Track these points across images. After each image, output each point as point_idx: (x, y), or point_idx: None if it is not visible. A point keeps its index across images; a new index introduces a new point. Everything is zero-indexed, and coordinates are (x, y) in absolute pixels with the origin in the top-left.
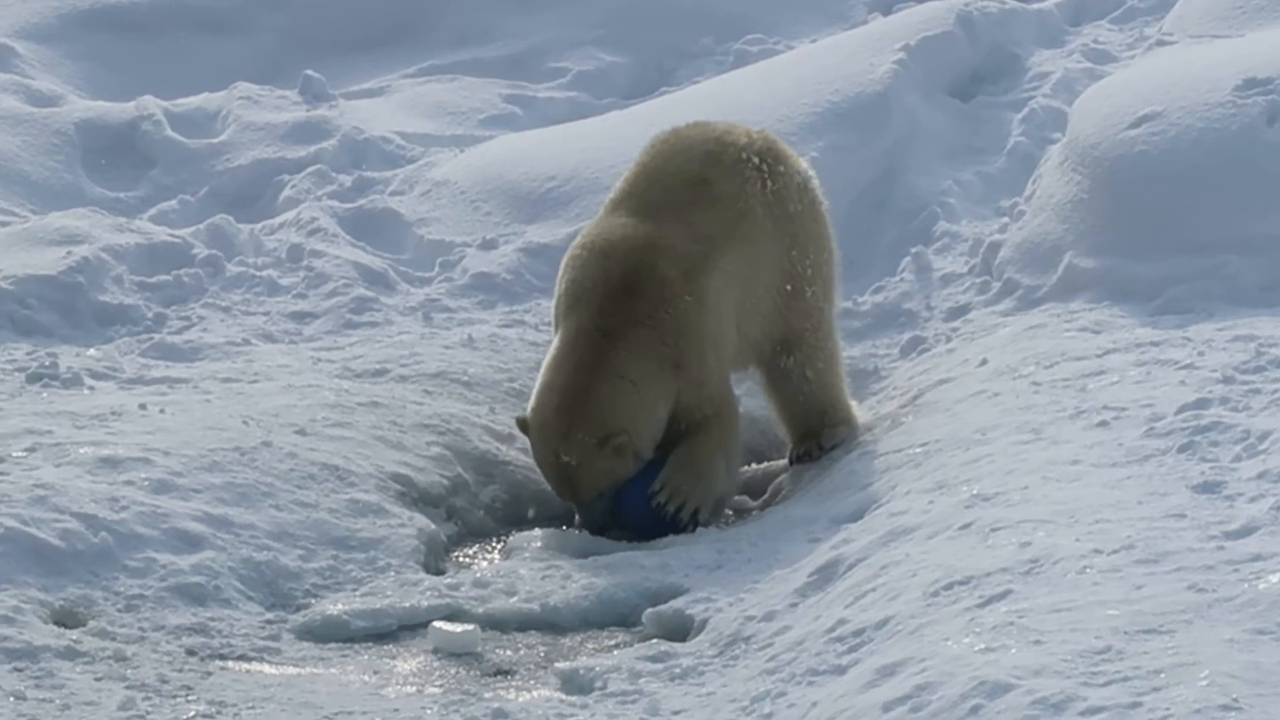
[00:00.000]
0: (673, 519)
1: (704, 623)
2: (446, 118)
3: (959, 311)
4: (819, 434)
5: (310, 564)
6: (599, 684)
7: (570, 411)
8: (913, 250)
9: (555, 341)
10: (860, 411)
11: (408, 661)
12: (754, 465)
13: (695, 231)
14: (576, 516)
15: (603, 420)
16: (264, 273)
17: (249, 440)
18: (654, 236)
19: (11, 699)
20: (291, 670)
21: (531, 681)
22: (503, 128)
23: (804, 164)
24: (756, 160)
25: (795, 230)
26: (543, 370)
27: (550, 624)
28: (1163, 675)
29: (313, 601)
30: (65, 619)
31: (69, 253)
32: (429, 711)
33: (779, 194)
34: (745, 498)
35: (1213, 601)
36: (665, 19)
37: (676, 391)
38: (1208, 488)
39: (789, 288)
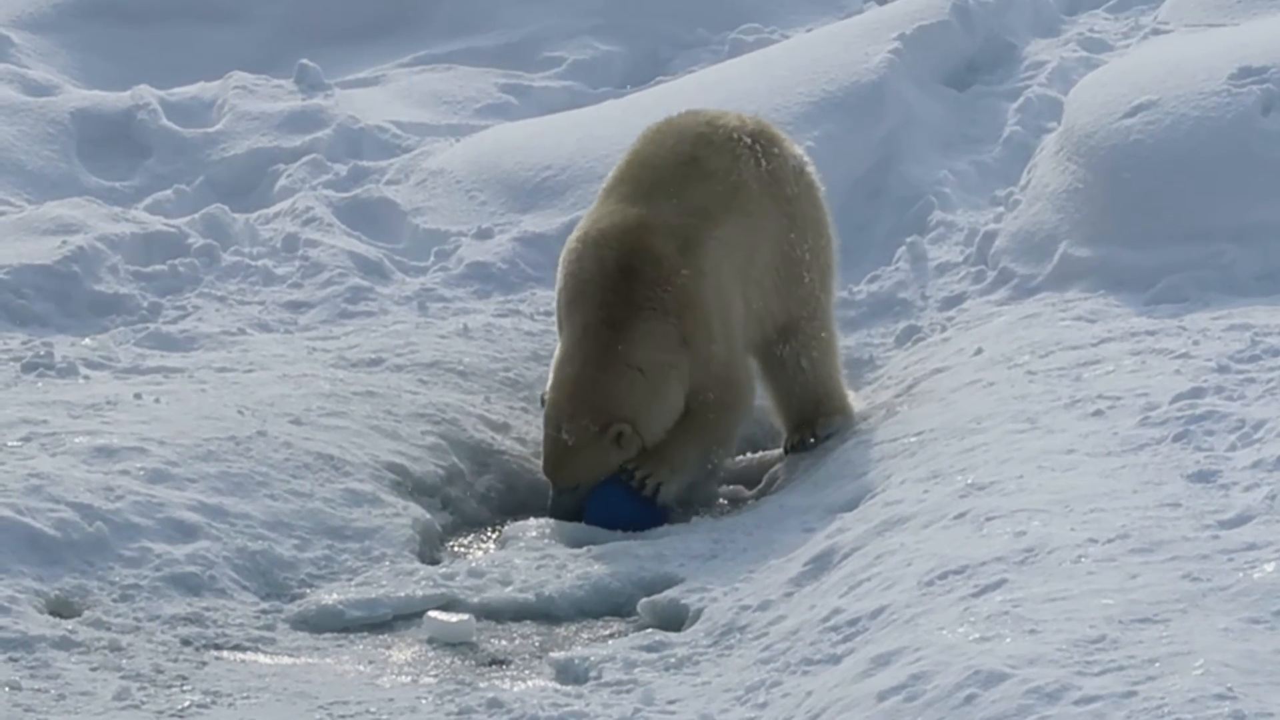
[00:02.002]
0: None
1: (699, 612)
2: (442, 107)
3: (954, 301)
4: (814, 423)
5: (305, 554)
6: (594, 674)
7: (579, 399)
8: (908, 239)
9: (564, 338)
10: (856, 400)
11: (403, 651)
12: (749, 455)
13: (687, 205)
14: (549, 502)
15: (609, 410)
16: (259, 262)
17: (244, 430)
18: (644, 217)
19: (7, 689)
20: (286, 660)
21: (526, 671)
22: (498, 117)
23: (799, 149)
24: (749, 140)
25: (793, 212)
26: (555, 365)
27: (545, 614)
28: (1157, 664)
29: (308, 591)
30: (60, 609)
31: (64, 242)
32: (424, 701)
33: (774, 174)
34: (740, 487)
35: (1207, 591)
36: (661, 8)
37: (688, 371)
38: (1202, 477)
39: (787, 270)
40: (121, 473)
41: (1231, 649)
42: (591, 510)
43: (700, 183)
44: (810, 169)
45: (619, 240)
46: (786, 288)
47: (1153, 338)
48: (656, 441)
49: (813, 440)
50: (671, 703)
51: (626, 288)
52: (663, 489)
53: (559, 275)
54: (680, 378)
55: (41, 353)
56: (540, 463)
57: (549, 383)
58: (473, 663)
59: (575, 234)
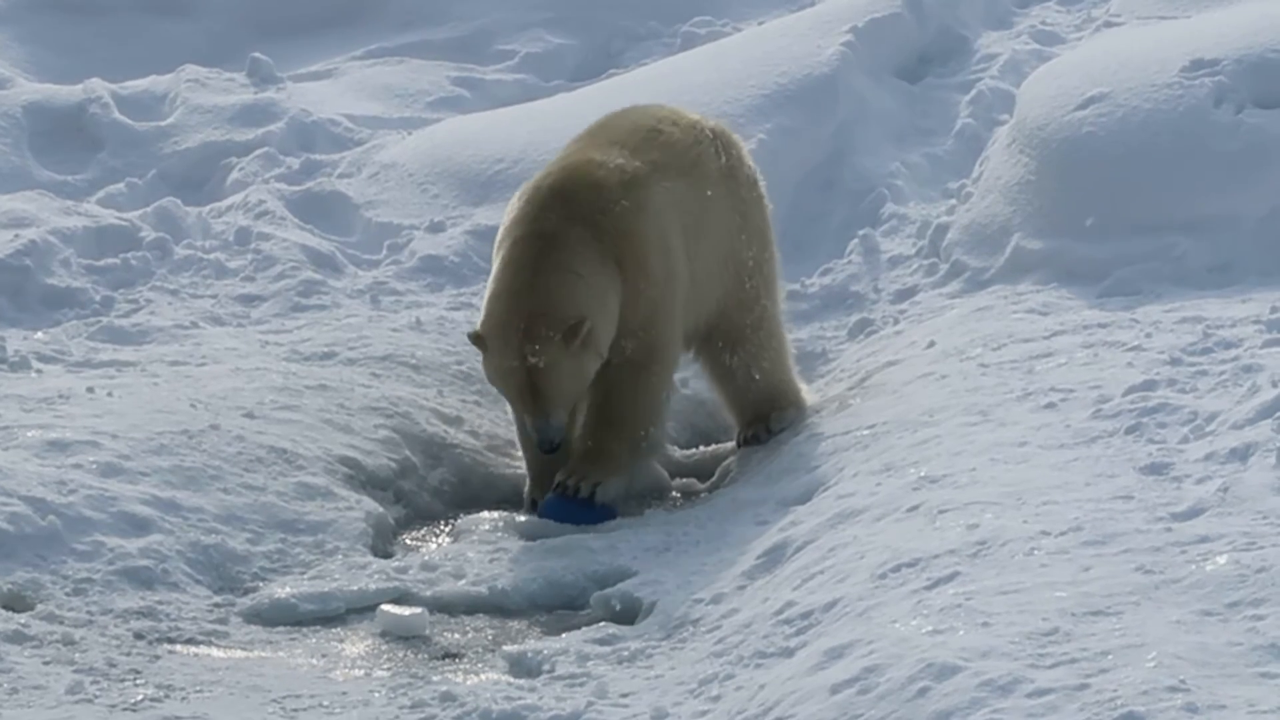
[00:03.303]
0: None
1: (652, 605)
2: (394, 100)
3: (907, 293)
4: (768, 417)
5: (258, 547)
6: (547, 667)
7: (528, 308)
8: (860, 232)
9: (496, 260)
10: (809, 394)
11: (356, 644)
12: (701, 448)
13: (643, 157)
14: (525, 491)
15: (562, 310)
16: (212, 255)
17: (197, 423)
18: (591, 155)
19: None
20: (239, 653)
21: (479, 664)
22: (451, 110)
23: (753, 163)
24: (711, 135)
25: (746, 213)
26: (488, 286)
27: (498, 607)
28: (1110, 656)
29: (260, 585)
30: (13, 603)
31: (16, 235)
32: (377, 694)
33: (732, 171)
34: (693, 480)
35: (1160, 583)
36: (613, 1)
37: (620, 294)
38: (1155, 469)
39: (733, 266)
40: (74, 466)
41: (1184, 641)
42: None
43: (660, 146)
44: (761, 184)
45: (560, 170)
46: (731, 282)
47: (1105, 330)
48: (605, 354)
49: (766, 434)
50: (625, 696)
51: (561, 205)
52: (599, 490)
53: (502, 227)
54: (615, 291)
55: None
56: (493, 454)
57: (482, 312)
58: (426, 656)
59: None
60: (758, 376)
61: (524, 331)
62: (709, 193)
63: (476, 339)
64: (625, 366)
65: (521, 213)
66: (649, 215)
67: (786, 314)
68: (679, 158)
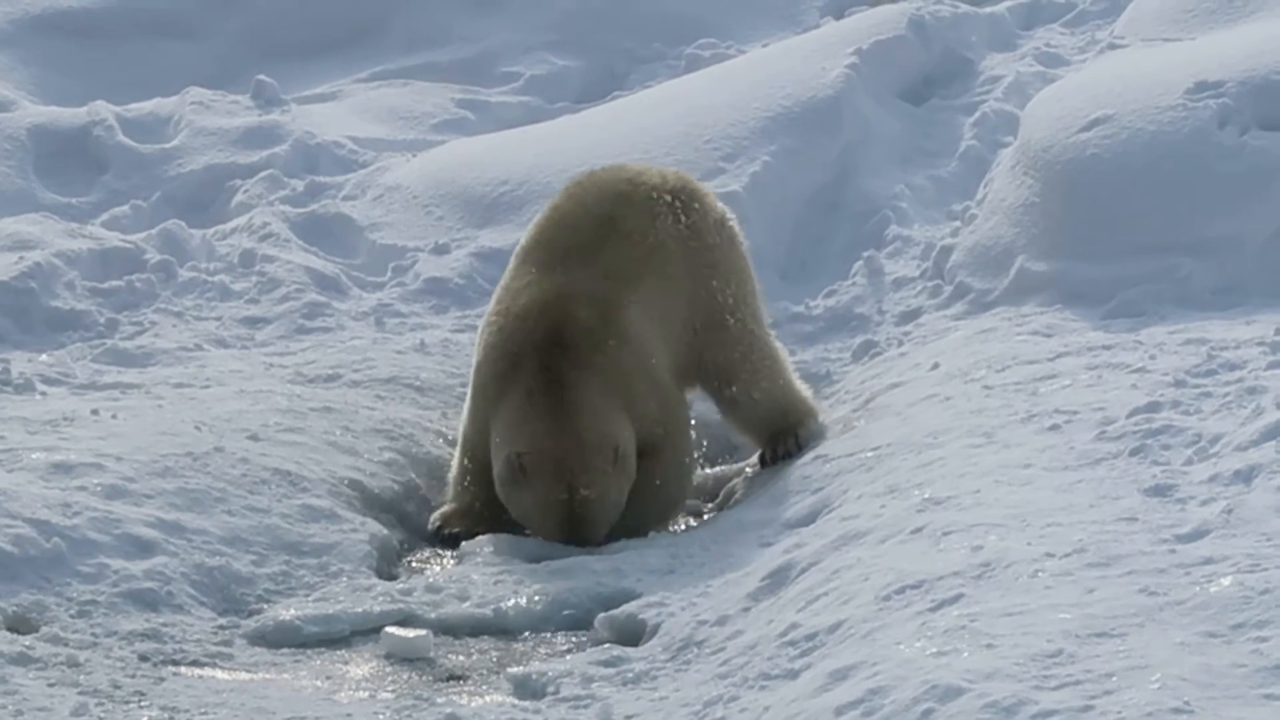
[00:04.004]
0: None
1: (656, 627)
2: (399, 122)
3: (911, 315)
4: (791, 431)
5: (263, 569)
6: (551, 689)
7: (571, 440)
8: (865, 254)
9: (504, 405)
10: (818, 401)
11: (360, 667)
12: (706, 469)
13: (602, 269)
14: (440, 519)
15: (604, 440)
16: (216, 278)
17: (201, 445)
18: (561, 286)
19: None
20: (244, 675)
21: (484, 686)
22: (455, 132)
23: (720, 204)
24: (669, 199)
25: (717, 259)
26: (510, 422)
27: (502, 629)
28: (1114, 678)
29: (265, 607)
30: (18, 625)
31: (21, 258)
32: (381, 716)
33: (695, 228)
34: (697, 501)
35: (1164, 605)
36: (618, 23)
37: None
38: (1159, 491)
39: (709, 318)
40: (79, 489)
41: (1188, 663)
42: None
43: (617, 246)
44: (732, 221)
45: (541, 313)
46: (710, 334)
47: (1109, 352)
48: (634, 475)
49: (797, 448)
50: (630, 717)
51: (562, 355)
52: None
53: (479, 349)
54: (628, 416)
55: None
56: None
57: (510, 449)
58: (430, 678)
59: (494, 307)
60: (757, 396)
61: (577, 464)
62: (670, 275)
63: (517, 468)
64: (652, 453)
65: (520, 360)
66: (632, 345)
67: (791, 336)
68: (639, 251)
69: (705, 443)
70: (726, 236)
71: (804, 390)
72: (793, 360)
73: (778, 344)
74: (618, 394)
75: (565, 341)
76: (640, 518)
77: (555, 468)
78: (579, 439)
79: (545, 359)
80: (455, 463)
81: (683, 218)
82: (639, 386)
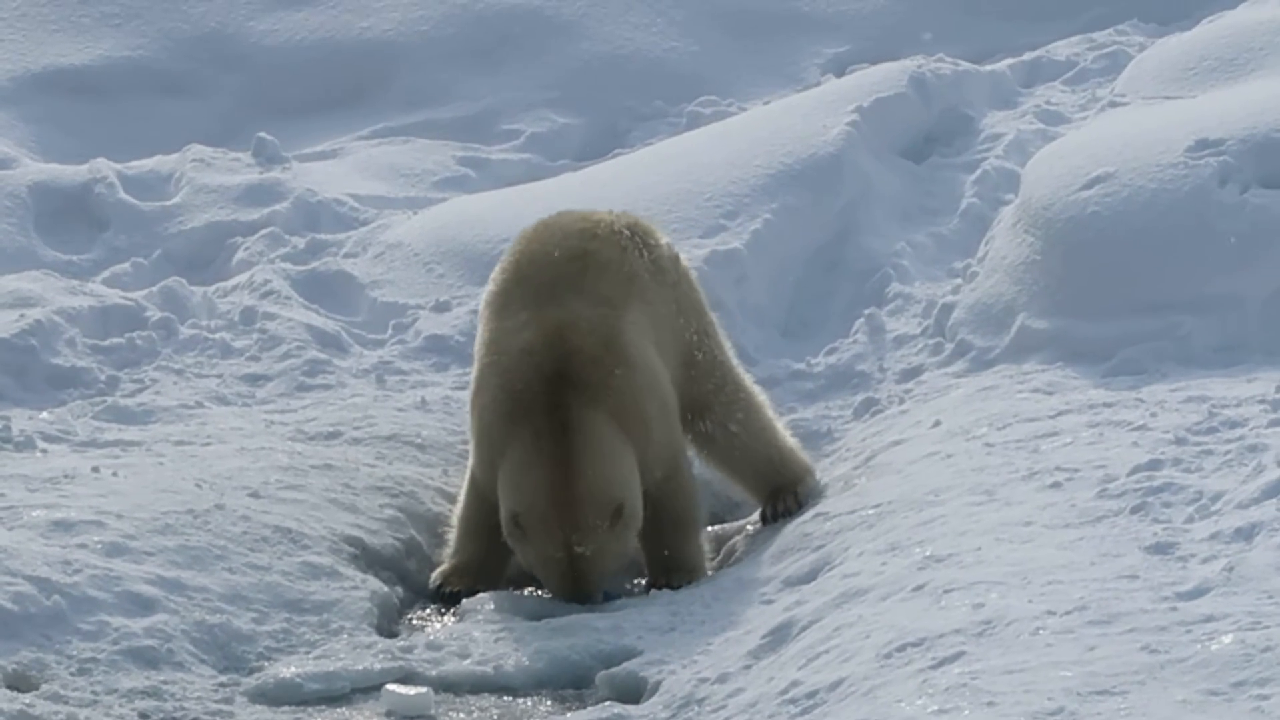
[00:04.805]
0: None
1: (657, 685)
2: (400, 180)
3: (912, 373)
4: (790, 488)
5: (263, 626)
6: None
7: (569, 497)
8: (866, 312)
9: (511, 450)
10: (808, 456)
11: None
12: (709, 528)
13: (592, 297)
14: (442, 577)
15: (604, 495)
16: (217, 335)
17: (202, 503)
18: (561, 320)
19: None
20: None
21: None
22: (456, 189)
23: (666, 239)
24: (628, 233)
25: (678, 296)
26: (511, 474)
27: (504, 686)
28: None
29: (266, 664)
30: (18, 683)
31: (21, 315)
32: None
33: (657, 263)
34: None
35: (1165, 662)
36: (618, 81)
37: (635, 451)
38: (1160, 549)
39: (682, 352)
40: (79, 546)
41: None
42: None
43: (598, 275)
44: (683, 257)
45: (546, 345)
46: (685, 370)
47: (1110, 409)
48: (639, 526)
49: (796, 505)
50: None
51: (570, 391)
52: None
53: (479, 392)
54: (634, 457)
55: None
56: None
57: (514, 500)
58: None
59: (487, 352)
60: (735, 429)
61: (570, 522)
62: (650, 301)
63: (515, 523)
64: (664, 483)
65: (526, 399)
66: (636, 369)
67: (792, 394)
68: (620, 279)
69: (707, 501)
70: (682, 272)
71: (793, 442)
72: (793, 418)
73: (751, 381)
74: (629, 424)
75: (572, 376)
76: (664, 542)
77: (551, 528)
78: (578, 497)
79: (555, 397)
80: (458, 513)
81: (644, 252)
82: (649, 408)
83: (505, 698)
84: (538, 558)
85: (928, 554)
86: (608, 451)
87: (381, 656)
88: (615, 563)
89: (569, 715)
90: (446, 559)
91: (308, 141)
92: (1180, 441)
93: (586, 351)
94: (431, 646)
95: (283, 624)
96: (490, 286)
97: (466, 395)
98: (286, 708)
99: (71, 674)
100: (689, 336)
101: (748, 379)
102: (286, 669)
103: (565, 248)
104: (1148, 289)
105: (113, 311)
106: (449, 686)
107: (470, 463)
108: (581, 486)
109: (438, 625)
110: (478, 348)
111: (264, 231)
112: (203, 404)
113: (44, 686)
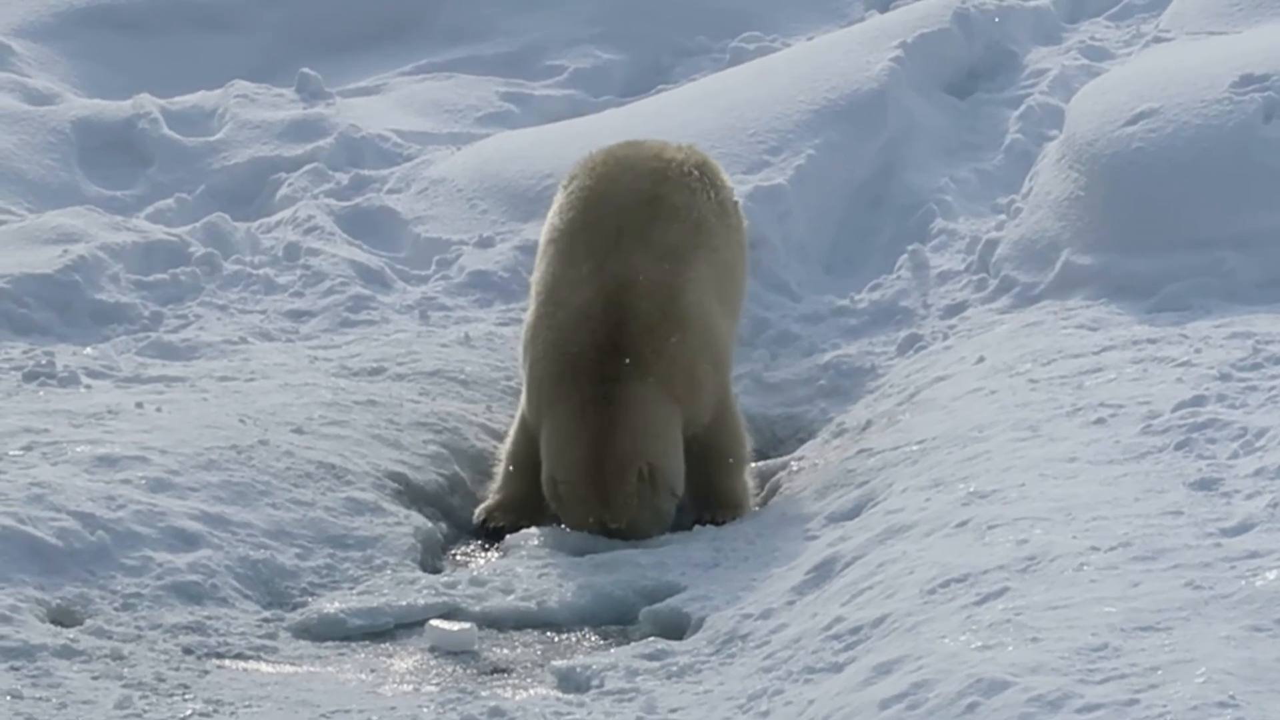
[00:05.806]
0: None
1: (701, 621)
2: (443, 115)
3: (956, 309)
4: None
5: (307, 562)
6: (596, 682)
7: (608, 476)
8: (909, 248)
9: (557, 413)
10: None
11: (404, 660)
12: (753, 464)
13: (657, 251)
14: (485, 512)
15: (637, 468)
16: (260, 271)
17: (246, 439)
18: (622, 280)
19: (8, 697)
20: (288, 669)
21: (528, 680)
22: (499, 125)
23: (729, 181)
24: (697, 174)
25: (741, 241)
26: (553, 439)
27: (547, 622)
28: (1159, 672)
29: (309, 600)
30: (62, 617)
31: (65, 251)
32: (425, 710)
33: (723, 205)
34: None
35: (1209, 598)
36: (662, 16)
37: (683, 415)
38: (1204, 485)
39: (740, 293)
40: (123, 482)
41: (1233, 657)
42: None
43: (666, 222)
44: (740, 205)
45: (604, 310)
46: (734, 320)
47: (1154, 346)
48: (681, 490)
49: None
50: (674, 711)
51: (621, 363)
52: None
53: (533, 341)
54: (678, 425)
55: (43, 362)
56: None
57: (554, 466)
58: (474, 671)
59: (547, 298)
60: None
61: (603, 500)
62: (716, 248)
63: (552, 492)
64: (712, 424)
65: (580, 363)
66: (694, 333)
67: (836, 330)
68: (687, 227)
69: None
70: (739, 217)
71: (748, 477)
72: (836, 354)
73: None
74: (679, 388)
75: (626, 346)
76: (710, 479)
77: (584, 503)
78: (611, 475)
79: (605, 367)
80: (506, 448)
81: (712, 194)
82: (702, 370)
83: (549, 633)
84: (573, 524)
85: (971, 490)
86: (648, 430)
87: (425, 592)
88: (652, 527)
89: (613, 651)
90: (491, 494)
91: (351, 77)
92: (1224, 377)
93: (643, 319)
94: (475, 582)
95: (326, 559)
96: (554, 219)
97: (516, 332)
98: (330, 643)
99: (115, 609)
100: (741, 280)
101: (732, 352)
102: (330, 604)
103: (636, 190)
104: (1192, 225)
105: (156, 247)
106: (493, 622)
107: (521, 401)
108: (615, 464)
109: (481, 561)
110: (535, 282)
111: (307, 167)
112: (246, 340)
113: (88, 622)
